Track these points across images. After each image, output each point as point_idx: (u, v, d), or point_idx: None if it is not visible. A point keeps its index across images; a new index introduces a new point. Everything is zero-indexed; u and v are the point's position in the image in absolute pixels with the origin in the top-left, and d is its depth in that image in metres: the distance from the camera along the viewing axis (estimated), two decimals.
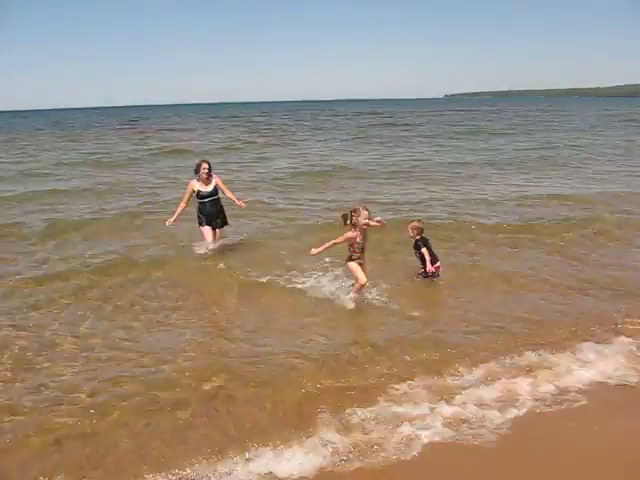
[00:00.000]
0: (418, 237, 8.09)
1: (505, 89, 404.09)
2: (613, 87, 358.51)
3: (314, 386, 5.21)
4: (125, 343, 6.29)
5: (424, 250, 7.99)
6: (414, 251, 8.18)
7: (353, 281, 7.50)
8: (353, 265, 7.31)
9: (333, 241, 7.29)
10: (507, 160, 22.31)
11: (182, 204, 9.64)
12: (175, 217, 9.62)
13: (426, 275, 8.01)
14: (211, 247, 9.61)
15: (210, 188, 9.57)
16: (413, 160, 22.90)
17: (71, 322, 6.89)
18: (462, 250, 9.74)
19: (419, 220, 8.38)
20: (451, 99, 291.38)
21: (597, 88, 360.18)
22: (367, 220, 7.14)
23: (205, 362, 5.76)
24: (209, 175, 9.55)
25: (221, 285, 8.36)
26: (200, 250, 9.60)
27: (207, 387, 5.25)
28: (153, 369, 5.62)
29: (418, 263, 8.16)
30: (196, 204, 9.70)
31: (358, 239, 7.25)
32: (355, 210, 7.21)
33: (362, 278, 7.24)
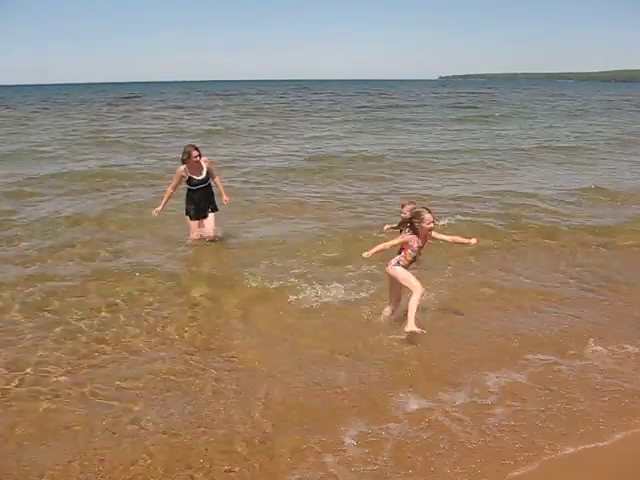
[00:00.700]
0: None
1: (497, 72, 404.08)
2: (598, 72, 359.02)
3: None
4: None
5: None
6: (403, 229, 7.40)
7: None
8: (403, 271, 6.17)
9: (389, 243, 6.22)
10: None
11: (170, 190, 9.09)
12: (163, 205, 9.13)
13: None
14: (197, 240, 9.18)
15: (203, 175, 9.04)
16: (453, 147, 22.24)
17: None
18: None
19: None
20: (445, 81, 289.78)
21: (578, 73, 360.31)
22: (431, 225, 6.09)
23: None
24: (199, 161, 8.94)
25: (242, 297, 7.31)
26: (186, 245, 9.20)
27: None
28: None
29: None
30: (185, 191, 9.16)
31: (415, 246, 6.16)
32: (417, 214, 6.15)
33: (418, 285, 6.05)
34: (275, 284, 7.54)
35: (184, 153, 8.85)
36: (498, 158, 19.62)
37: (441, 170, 17.35)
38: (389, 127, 30.59)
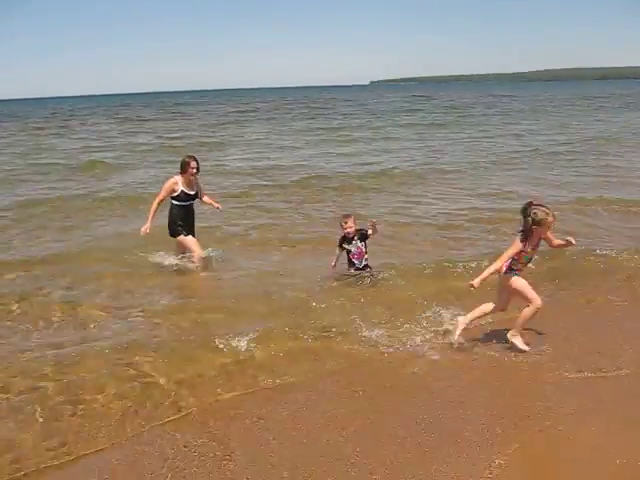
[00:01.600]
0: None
1: (428, 75, 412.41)
2: (534, 72, 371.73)
3: None
4: None
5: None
6: (362, 244, 7.30)
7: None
8: (521, 281, 5.43)
9: (501, 260, 5.38)
10: None
11: (156, 203, 8.22)
12: (150, 221, 8.19)
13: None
14: (201, 260, 8.29)
15: (194, 190, 8.29)
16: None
17: None
18: None
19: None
20: (377, 85, 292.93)
21: (519, 73, 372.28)
22: (552, 219, 5.29)
23: None
24: (195, 175, 8.24)
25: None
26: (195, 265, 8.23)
27: None
28: None
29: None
30: (170, 209, 8.27)
31: (528, 249, 5.40)
32: (541, 218, 5.20)
33: (537, 297, 5.38)
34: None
35: (182, 163, 8.15)
36: None
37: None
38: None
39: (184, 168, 8.10)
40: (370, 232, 7.19)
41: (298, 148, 23.82)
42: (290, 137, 28.25)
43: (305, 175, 16.12)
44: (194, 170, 8.10)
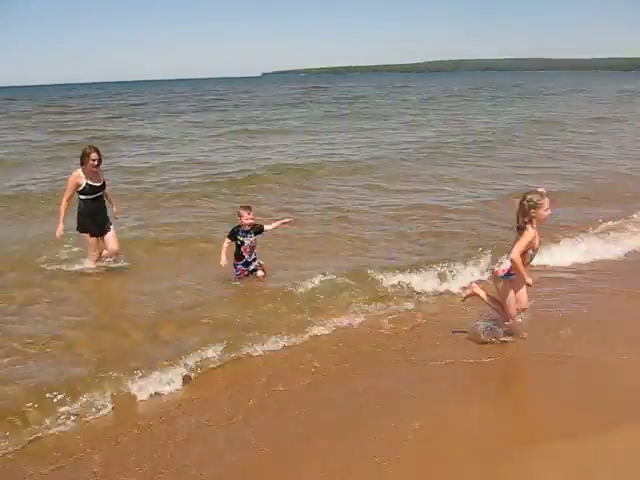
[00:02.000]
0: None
1: (320, 66, 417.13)
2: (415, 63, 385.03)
3: None
4: None
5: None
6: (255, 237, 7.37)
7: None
8: (511, 289, 5.44)
9: (519, 249, 5.22)
10: None
11: (65, 201, 7.86)
12: (62, 222, 7.87)
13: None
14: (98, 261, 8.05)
15: (100, 181, 7.93)
16: None
17: None
18: None
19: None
20: (270, 77, 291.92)
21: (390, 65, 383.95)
22: (549, 211, 5.29)
23: None
24: (98, 167, 7.86)
25: None
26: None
27: None
28: None
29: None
30: (77, 205, 7.92)
31: (536, 242, 5.32)
32: (533, 200, 5.23)
33: (513, 316, 5.55)
34: None
35: (82, 155, 7.76)
36: None
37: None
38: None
39: (84, 160, 7.70)
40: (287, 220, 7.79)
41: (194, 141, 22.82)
42: (188, 131, 27.11)
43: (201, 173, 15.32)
44: (95, 162, 7.70)
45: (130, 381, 4.89)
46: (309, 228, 9.86)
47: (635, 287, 6.98)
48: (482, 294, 5.76)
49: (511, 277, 5.35)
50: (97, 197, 7.89)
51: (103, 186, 7.96)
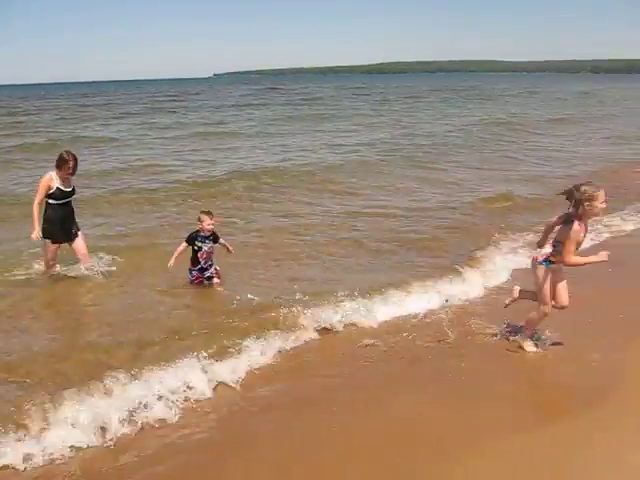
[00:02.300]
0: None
1: (270, 67, 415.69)
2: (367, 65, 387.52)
3: None
4: None
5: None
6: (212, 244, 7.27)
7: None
8: (547, 275, 5.26)
9: (570, 257, 5.09)
10: None
11: (37, 205, 7.55)
12: (38, 225, 7.52)
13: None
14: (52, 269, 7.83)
15: (71, 187, 7.76)
16: None
17: None
18: None
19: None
20: (221, 78, 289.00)
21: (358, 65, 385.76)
22: (604, 205, 5.02)
23: None
24: (72, 175, 7.69)
25: None
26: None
27: None
28: None
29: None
30: (45, 209, 7.63)
31: (582, 236, 5.11)
32: (588, 192, 4.95)
33: (548, 304, 5.36)
34: None
35: (59, 159, 7.54)
36: None
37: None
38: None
39: (60, 165, 7.51)
40: (230, 249, 7.55)
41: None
42: (141, 133, 26.59)
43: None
44: (70, 170, 7.53)
45: None
46: (262, 236, 9.75)
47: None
48: (520, 294, 5.80)
49: (551, 265, 5.26)
50: (66, 203, 7.72)
51: (73, 192, 7.80)
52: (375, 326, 6.40)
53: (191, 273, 7.26)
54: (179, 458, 4.20)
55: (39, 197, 7.57)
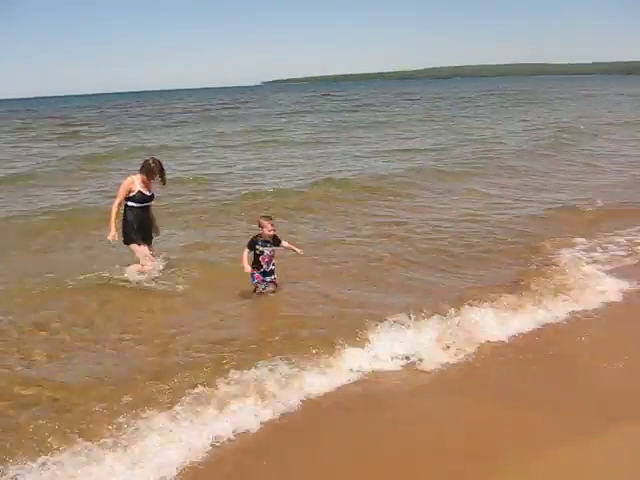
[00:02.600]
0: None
1: (317, 74, 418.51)
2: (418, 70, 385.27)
3: None
4: None
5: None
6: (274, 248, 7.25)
7: None
8: None
9: None
10: None
11: (116, 206, 7.68)
12: (114, 225, 7.68)
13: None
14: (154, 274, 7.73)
15: (151, 192, 7.82)
16: None
17: None
18: None
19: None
20: (270, 85, 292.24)
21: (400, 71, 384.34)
22: None
23: None
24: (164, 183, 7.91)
25: None
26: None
27: None
28: None
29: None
30: (124, 212, 7.74)
31: None
32: None
33: None
34: None
35: (146, 166, 7.64)
36: None
37: None
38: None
39: (147, 172, 7.61)
40: (298, 251, 7.53)
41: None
42: (203, 141, 26.59)
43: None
44: (153, 180, 7.69)
45: None
46: (337, 248, 9.35)
47: None
48: None
49: None
50: (145, 207, 7.80)
51: (152, 197, 7.87)
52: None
53: (252, 276, 7.25)
54: None
55: (118, 199, 7.67)
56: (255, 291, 7.27)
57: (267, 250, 7.15)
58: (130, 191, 7.62)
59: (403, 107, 48.74)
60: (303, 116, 41.28)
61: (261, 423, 4.59)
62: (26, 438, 4.34)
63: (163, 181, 7.80)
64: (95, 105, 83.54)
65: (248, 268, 7.15)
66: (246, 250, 7.22)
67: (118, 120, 45.76)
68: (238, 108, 56.11)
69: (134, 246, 7.74)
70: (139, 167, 7.81)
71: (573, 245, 9.02)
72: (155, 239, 8.15)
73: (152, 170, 7.62)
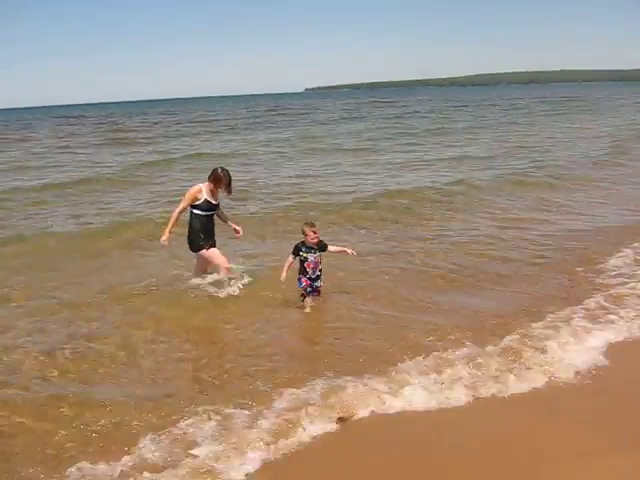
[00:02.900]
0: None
1: (359, 82, 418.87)
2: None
3: None
4: None
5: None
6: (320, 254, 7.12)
7: None
8: None
9: None
10: None
11: (178, 212, 7.68)
12: (170, 231, 7.72)
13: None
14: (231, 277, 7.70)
15: (217, 200, 7.80)
16: None
17: None
18: None
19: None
20: (313, 92, 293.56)
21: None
22: None
23: None
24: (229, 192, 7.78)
25: None
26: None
27: None
28: None
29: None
30: (189, 220, 7.73)
31: None
32: None
33: None
34: None
35: (214, 175, 7.56)
36: None
37: None
38: None
39: (215, 180, 7.57)
40: (349, 251, 7.30)
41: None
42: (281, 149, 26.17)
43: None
44: (222, 189, 7.62)
45: None
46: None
47: None
48: None
49: None
50: (210, 215, 7.78)
51: (218, 206, 7.85)
52: None
53: (300, 281, 7.21)
54: None
55: (182, 205, 7.67)
56: (303, 296, 7.17)
57: (311, 256, 7.07)
58: (196, 199, 7.62)
59: (453, 114, 47.87)
60: (350, 123, 40.83)
61: None
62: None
63: (229, 191, 7.69)
64: (140, 111, 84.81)
65: (284, 276, 7.14)
66: (290, 256, 7.18)
67: (164, 127, 46.06)
68: (284, 114, 56.04)
69: (203, 252, 7.76)
70: (208, 175, 7.74)
71: None
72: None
73: (220, 179, 7.57)
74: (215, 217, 7.90)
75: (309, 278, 7.13)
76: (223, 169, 7.67)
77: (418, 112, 51.81)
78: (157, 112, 78.82)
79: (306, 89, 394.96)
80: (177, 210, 7.69)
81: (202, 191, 7.62)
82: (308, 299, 7.13)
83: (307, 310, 7.04)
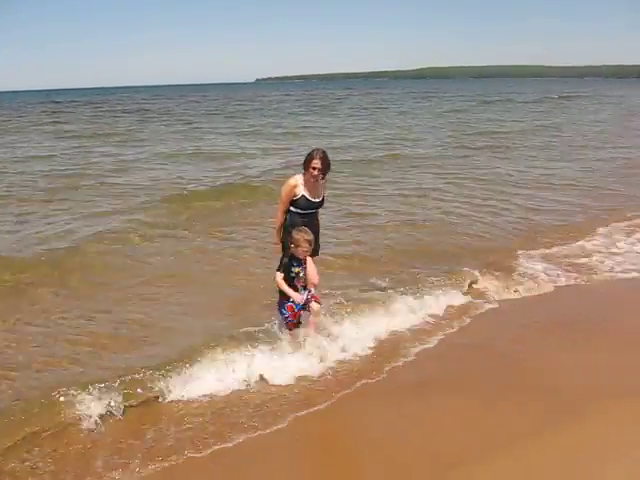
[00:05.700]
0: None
1: (311, 73, 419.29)
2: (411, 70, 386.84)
3: None
4: None
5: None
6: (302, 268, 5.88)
7: None
8: None
9: None
10: None
11: (281, 214, 6.16)
12: (278, 238, 6.28)
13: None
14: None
15: (319, 197, 6.14)
16: None
17: None
18: None
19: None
20: (263, 83, 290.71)
21: (393, 71, 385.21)
22: None
23: None
24: (319, 178, 5.93)
25: None
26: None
27: None
28: None
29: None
30: (286, 220, 6.18)
31: None
32: None
33: None
34: None
35: (306, 159, 5.96)
36: None
37: None
38: None
39: (306, 165, 5.95)
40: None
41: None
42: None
43: None
44: (315, 172, 5.85)
45: None
46: None
47: None
48: None
49: None
50: (310, 214, 6.28)
51: (321, 203, 6.31)
52: None
53: (284, 309, 6.17)
54: None
55: (283, 205, 6.21)
56: (290, 326, 5.89)
57: (303, 272, 5.89)
58: (294, 195, 6.10)
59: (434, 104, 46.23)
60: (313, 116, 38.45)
61: None
62: None
63: (320, 173, 5.98)
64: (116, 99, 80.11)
65: (289, 290, 5.83)
66: (279, 275, 5.85)
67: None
68: (253, 105, 53.40)
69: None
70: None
71: None
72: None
73: (308, 159, 5.92)
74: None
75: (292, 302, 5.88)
76: (316, 149, 6.03)
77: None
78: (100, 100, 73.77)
79: (257, 79, 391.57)
80: (279, 213, 6.24)
81: (298, 185, 6.11)
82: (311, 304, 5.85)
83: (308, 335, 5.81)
